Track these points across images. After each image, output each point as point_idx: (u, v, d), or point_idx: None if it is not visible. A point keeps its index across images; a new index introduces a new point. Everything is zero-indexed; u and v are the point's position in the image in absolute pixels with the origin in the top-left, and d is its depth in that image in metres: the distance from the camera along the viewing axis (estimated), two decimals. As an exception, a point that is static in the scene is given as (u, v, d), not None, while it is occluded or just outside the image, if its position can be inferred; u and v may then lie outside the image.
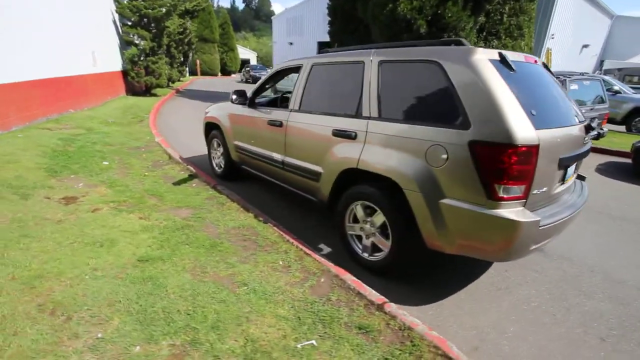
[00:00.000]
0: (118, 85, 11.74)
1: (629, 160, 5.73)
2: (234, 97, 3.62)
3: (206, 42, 31.19)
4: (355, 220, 2.63)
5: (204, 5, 16.83)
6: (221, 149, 4.39)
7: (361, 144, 2.41)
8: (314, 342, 1.79)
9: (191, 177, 4.40)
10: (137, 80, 12.08)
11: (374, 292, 2.16)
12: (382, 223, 2.39)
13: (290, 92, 4.29)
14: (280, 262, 2.51)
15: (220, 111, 4.26)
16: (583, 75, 7.13)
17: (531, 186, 1.86)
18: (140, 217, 3.06)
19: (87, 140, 5.82)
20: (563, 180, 2.19)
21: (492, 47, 11.67)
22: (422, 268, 2.65)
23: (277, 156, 3.26)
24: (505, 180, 1.79)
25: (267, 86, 3.73)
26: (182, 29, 13.50)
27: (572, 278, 2.62)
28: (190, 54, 19.98)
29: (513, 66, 2.00)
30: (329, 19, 13.86)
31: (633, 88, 10.80)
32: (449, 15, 9.64)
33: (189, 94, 15.84)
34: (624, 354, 1.93)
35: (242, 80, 28.99)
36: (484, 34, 11.24)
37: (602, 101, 6.90)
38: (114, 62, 11.43)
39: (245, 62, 43.56)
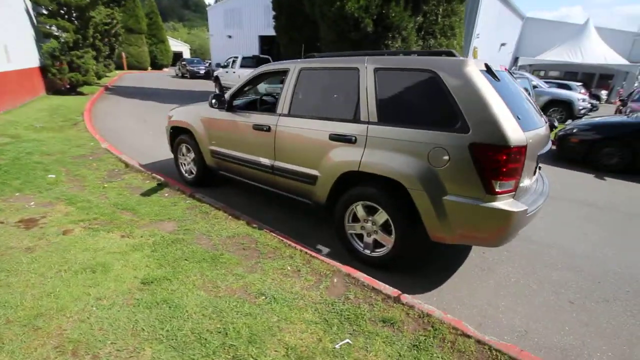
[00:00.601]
0: (37, 83, 10.23)
1: (553, 147, 6.76)
2: (214, 101, 3.46)
3: (132, 33, 28.48)
4: (355, 219, 2.76)
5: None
6: (192, 155, 4.17)
7: (361, 147, 2.52)
8: (348, 340, 1.88)
9: (160, 186, 4.11)
10: (60, 77, 10.67)
11: (388, 286, 2.32)
12: (385, 221, 2.55)
13: (269, 95, 4.26)
14: (289, 268, 2.54)
15: (189, 115, 4.04)
16: (513, 73, 8.14)
17: (519, 180, 2.16)
18: (122, 236, 2.81)
19: (19, 151, 5.04)
20: (534, 172, 2.57)
21: (429, 46, 12.63)
22: (417, 260, 2.88)
23: (265, 161, 3.23)
24: (501, 177, 2.06)
25: (245, 89, 3.63)
26: (109, 20, 12.17)
27: (535, 254, 3.08)
28: (116, 47, 18.13)
29: (498, 76, 2.28)
30: (273, 13, 13.67)
31: (546, 82, 12.57)
32: (393, 15, 10.19)
33: (121, 91, 14.42)
34: (590, 311, 2.36)
35: (177, 75, 27.14)
36: (422, 33, 12.08)
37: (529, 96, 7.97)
38: (29, 57, 9.91)
39: (177, 55, 40.80)
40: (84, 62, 10.99)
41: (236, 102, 3.69)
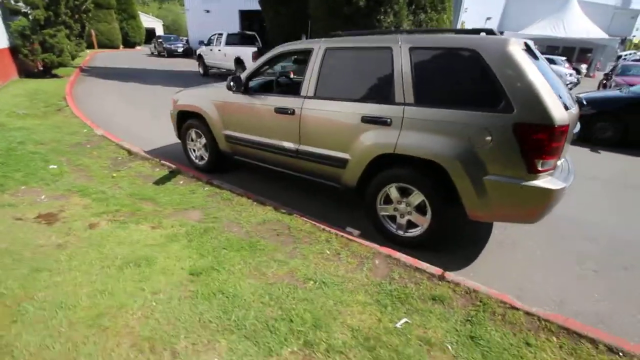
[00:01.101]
0: (8, 66, 9.50)
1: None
2: (232, 84, 3.31)
3: (100, 9, 26.51)
4: (387, 201, 2.79)
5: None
6: (202, 140, 4.04)
7: (397, 129, 2.51)
8: (406, 319, 1.95)
9: (172, 173, 3.99)
10: (33, 58, 9.93)
11: (430, 265, 2.39)
12: (420, 202, 2.59)
13: (283, 76, 4.12)
14: (328, 252, 2.56)
15: (200, 99, 3.87)
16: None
17: (558, 159, 2.23)
18: (152, 227, 2.73)
19: (9, 140, 4.74)
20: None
21: (420, 21, 12.45)
22: (448, 239, 2.96)
23: (289, 145, 3.17)
24: (544, 156, 2.11)
25: (262, 70, 3.49)
26: (82, -6, 11.24)
27: (550, 227, 3.21)
28: (87, 24, 16.91)
29: (537, 54, 2.28)
30: (258, -14, 13.02)
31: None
32: (387, -13, 9.90)
33: (98, 72, 13.63)
34: (613, 278, 2.53)
35: (152, 53, 25.80)
36: (413, 7, 11.87)
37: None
38: (-3, 37, 9.14)
39: (150, 32, 38.56)
40: (57, 42, 10.22)
41: (251, 85, 3.56)
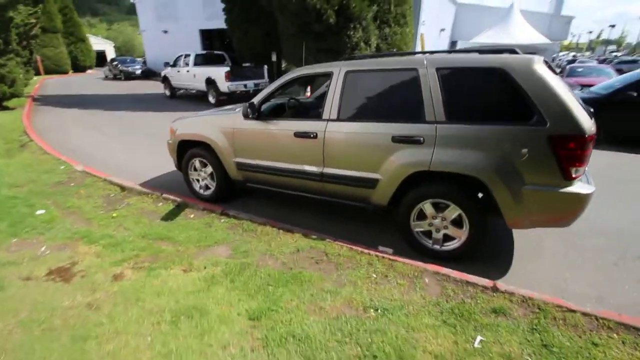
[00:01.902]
0: (-48, 100, 8.54)
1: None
2: (249, 110, 3.21)
3: (46, 33, 24.85)
4: (420, 217, 2.82)
5: (50, -13, 13.21)
6: (208, 169, 3.86)
7: (430, 147, 2.57)
8: (481, 337, 1.95)
9: (179, 207, 3.76)
10: (-20, 91, 9.01)
11: (480, 278, 2.43)
12: (457, 216, 2.65)
13: (292, 99, 4.07)
14: (374, 275, 2.53)
15: (205, 126, 3.71)
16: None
17: (586, 165, 2.39)
18: (184, 270, 2.54)
19: (-21, 186, 4.22)
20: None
21: (385, 34, 13.01)
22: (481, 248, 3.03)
23: (312, 169, 3.12)
24: (577, 163, 2.26)
25: (276, 94, 3.43)
26: (33, 20, 10.45)
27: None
28: (34, 50, 15.79)
29: (554, 69, 2.46)
30: (224, 5, 12.94)
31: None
32: (354, 5, 10.28)
33: (53, 101, 12.72)
34: (634, 269, 2.73)
35: (107, 77, 24.55)
36: (378, 22, 12.39)
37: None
38: (-64, 69, 8.21)
39: (100, 55, 36.79)
40: (9, 71, 9.39)
41: (264, 110, 3.48)
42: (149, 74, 23.19)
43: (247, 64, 12.33)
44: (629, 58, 23.97)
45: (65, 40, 28.68)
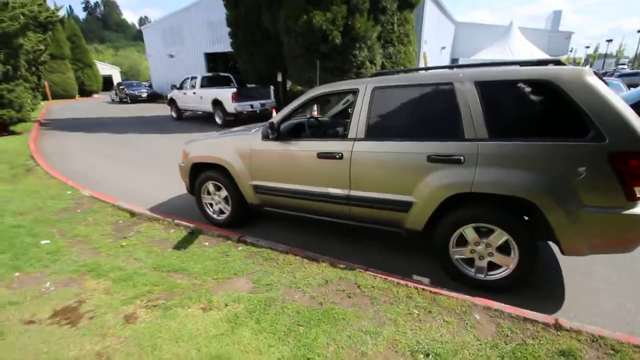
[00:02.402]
0: (-41, 126, 8.50)
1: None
2: (269, 131, 3.03)
3: (54, 59, 25.42)
4: (461, 243, 2.57)
5: (60, 16, 13.47)
6: (223, 193, 3.65)
7: (471, 167, 2.35)
8: (556, 389, 1.67)
9: (192, 234, 3.52)
10: (-12, 116, 8.99)
11: (538, 313, 2.15)
12: (504, 241, 2.40)
13: (311, 117, 3.90)
14: (416, 311, 2.25)
15: (220, 148, 3.53)
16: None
17: (650, 183, 2.15)
18: (203, 309, 2.27)
19: (-19, 215, 4.01)
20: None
21: (389, 53, 13.10)
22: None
23: (337, 191, 2.90)
24: (641, 182, 2.03)
25: (295, 114, 3.26)
26: (42, 47, 10.58)
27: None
28: (42, 76, 16.04)
29: (606, 81, 2.27)
30: (229, 29, 13.13)
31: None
32: (359, 26, 10.36)
33: (60, 125, 12.74)
34: None
35: (113, 100, 24.93)
36: (382, 42, 12.51)
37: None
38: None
39: (107, 80, 37.58)
40: (16, 97, 9.40)
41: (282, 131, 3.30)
42: (154, 97, 23.52)
43: (253, 85, 12.38)
44: (630, 71, 24.06)
45: (73, 66, 29.36)
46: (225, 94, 10.93)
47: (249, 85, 12.48)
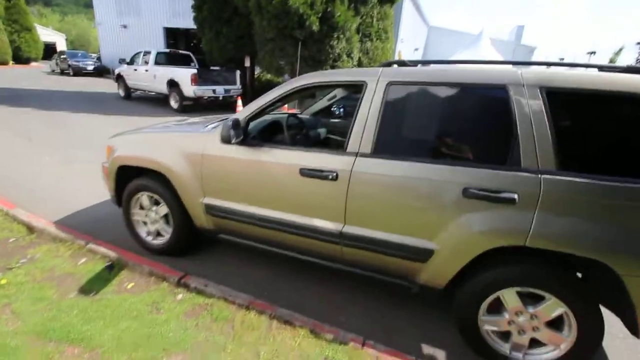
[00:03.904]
0: None
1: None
2: (232, 133, 2.06)
3: (-19, 17, 21.83)
4: (495, 310, 1.85)
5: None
6: (162, 209, 2.65)
7: (529, 210, 1.61)
8: None
9: (110, 268, 2.49)
10: None
11: None
12: (559, 314, 1.71)
13: (293, 116, 2.96)
14: None
15: (159, 147, 2.51)
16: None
17: None
18: None
19: None
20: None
21: (367, 48, 12.42)
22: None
23: (327, 225, 2.04)
24: None
25: (269, 110, 2.33)
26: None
27: None
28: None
29: None
30: (193, 2, 11.62)
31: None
32: (339, 14, 9.53)
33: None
34: None
35: (53, 71, 21.89)
36: (360, 35, 11.77)
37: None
38: None
39: (50, 47, 33.34)
40: None
41: (251, 131, 2.36)
42: (102, 72, 20.94)
43: (217, 68, 11.05)
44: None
45: (8, 28, 25.51)
46: (184, 75, 9.55)
47: (212, 68, 11.12)
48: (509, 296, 1.77)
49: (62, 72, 20.96)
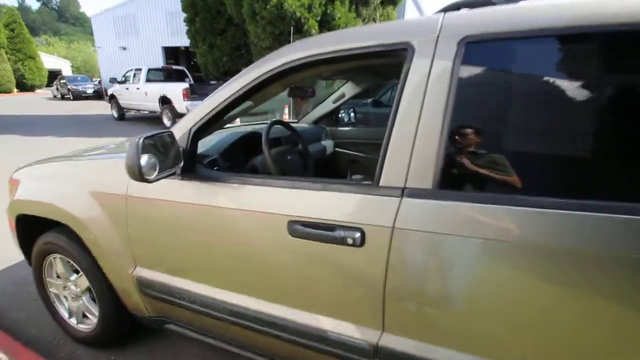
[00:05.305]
0: None
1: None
2: (152, 161, 1.07)
3: (-15, 48, 21.98)
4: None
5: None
6: (82, 281, 1.66)
7: None
8: None
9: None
10: None
11: None
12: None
13: (278, 123, 1.98)
14: None
15: (64, 184, 1.55)
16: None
17: None
18: None
19: None
20: None
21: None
22: None
23: (347, 331, 1.03)
24: None
25: (233, 114, 1.36)
26: None
27: None
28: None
29: None
30: (185, 15, 11.00)
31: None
32: (339, 16, 8.72)
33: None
34: None
35: (54, 96, 21.69)
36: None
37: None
38: None
39: (54, 74, 33.70)
40: None
41: (207, 153, 1.39)
42: (102, 94, 20.67)
43: (213, 82, 10.31)
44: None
45: (12, 57, 25.74)
46: (175, 91, 8.79)
47: (209, 82, 10.40)
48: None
49: (63, 97, 20.77)
